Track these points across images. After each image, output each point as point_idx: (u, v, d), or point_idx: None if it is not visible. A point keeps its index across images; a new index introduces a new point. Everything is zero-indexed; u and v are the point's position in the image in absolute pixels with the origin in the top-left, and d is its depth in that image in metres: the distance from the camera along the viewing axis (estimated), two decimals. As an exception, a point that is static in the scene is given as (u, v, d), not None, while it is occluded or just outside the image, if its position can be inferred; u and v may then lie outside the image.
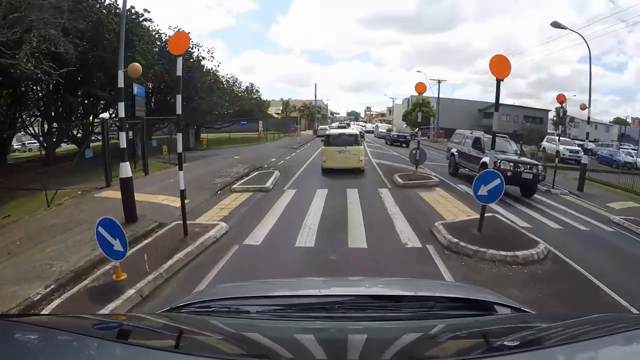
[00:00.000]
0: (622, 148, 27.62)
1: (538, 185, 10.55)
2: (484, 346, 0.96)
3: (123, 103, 6.98)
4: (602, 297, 4.18)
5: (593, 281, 4.54)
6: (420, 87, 10.58)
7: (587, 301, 4.11)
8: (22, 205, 9.42)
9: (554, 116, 56.13)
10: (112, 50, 16.63)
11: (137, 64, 7.29)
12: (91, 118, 19.01)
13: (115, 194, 7.84)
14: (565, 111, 50.19)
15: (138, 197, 7.71)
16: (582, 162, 13.95)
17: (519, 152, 11.03)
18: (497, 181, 5.50)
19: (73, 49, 13.92)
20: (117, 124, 8.22)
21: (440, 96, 54.12)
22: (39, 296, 3.98)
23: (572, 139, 26.98)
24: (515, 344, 0.90)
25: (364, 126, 64.78)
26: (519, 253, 5.03)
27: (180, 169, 5.85)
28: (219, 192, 9.42)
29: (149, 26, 21.74)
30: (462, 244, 5.27)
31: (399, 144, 28.61)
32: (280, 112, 56.86)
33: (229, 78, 36.48)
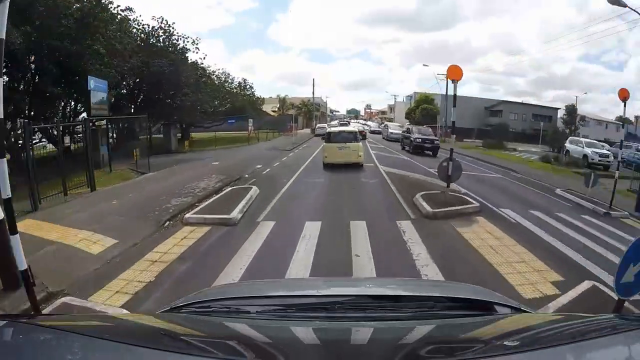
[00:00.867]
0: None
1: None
2: (484, 346, 0.95)
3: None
4: None
5: None
6: (455, 72, 7.50)
7: None
8: None
9: (563, 114, 53.73)
10: (72, 39, 13.91)
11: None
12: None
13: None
14: (575, 109, 46.78)
15: (52, 232, 5.65)
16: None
17: None
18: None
19: (19, 36, 11.22)
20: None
21: (444, 93, 51.45)
22: None
23: (598, 140, 24.02)
24: (515, 344, 0.89)
25: (367, 125, 60.08)
26: None
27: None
28: (166, 223, 6.59)
29: (127, 16, 19.07)
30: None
31: (423, 151, 19.13)
32: (277, 109, 53.99)
33: (220, 74, 33.86)
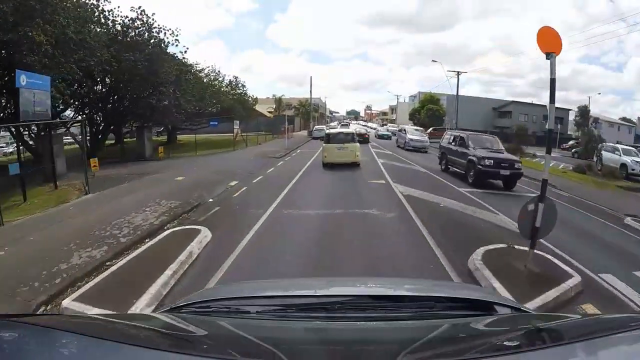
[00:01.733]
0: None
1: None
2: (484, 346, 0.94)
3: None
4: None
5: None
6: (550, 40, 4.09)
7: None
8: None
9: (576, 116, 50.70)
10: (9, 25, 10.97)
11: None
12: None
13: None
14: (588, 111, 43.44)
15: None
16: None
17: None
18: None
19: None
20: None
21: (448, 93, 48.44)
22: None
23: (634, 146, 20.98)
24: (515, 344, 0.90)
25: (368, 126, 56.39)
26: None
27: None
28: (41, 309, 3.56)
29: (98, 4, 16.26)
30: None
31: (494, 180, 11.13)
32: (273, 110, 50.96)
33: (210, 71, 30.85)
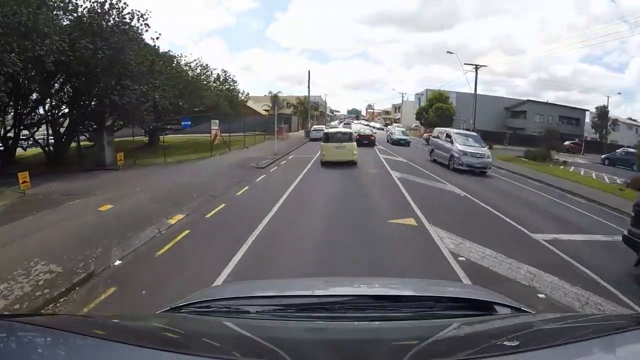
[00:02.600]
0: None
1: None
2: (484, 346, 0.94)
3: None
4: None
5: None
6: None
7: None
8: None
9: (593, 117, 46.90)
10: None
11: None
12: None
13: None
14: (607, 111, 39.19)
15: None
16: None
17: None
18: None
19: None
20: None
21: (457, 91, 44.85)
22: None
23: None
24: (515, 344, 0.88)
25: (379, 128, 52.07)
26: None
27: None
28: None
29: None
30: None
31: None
32: (269, 108, 47.40)
33: (196, 65, 27.31)
